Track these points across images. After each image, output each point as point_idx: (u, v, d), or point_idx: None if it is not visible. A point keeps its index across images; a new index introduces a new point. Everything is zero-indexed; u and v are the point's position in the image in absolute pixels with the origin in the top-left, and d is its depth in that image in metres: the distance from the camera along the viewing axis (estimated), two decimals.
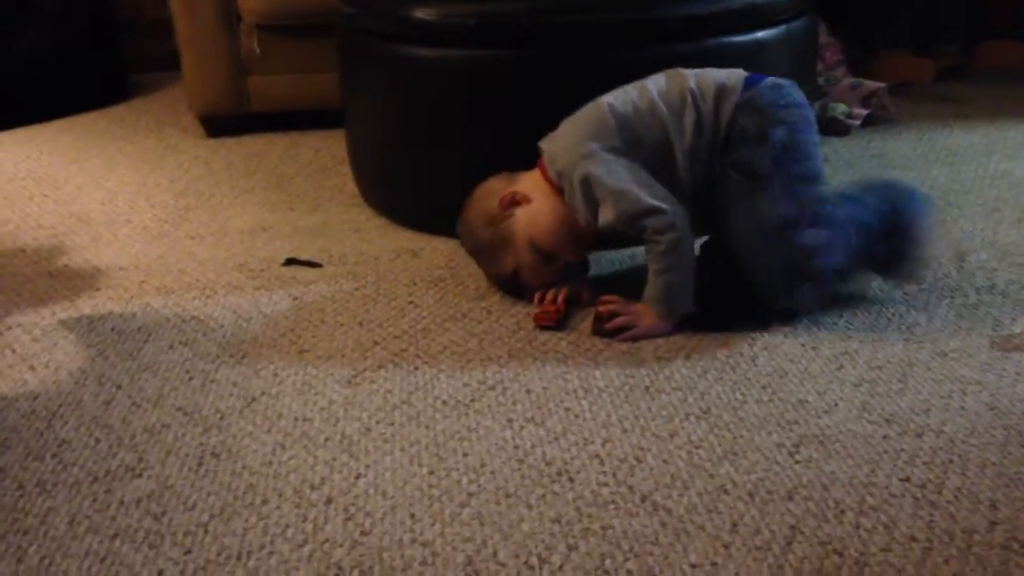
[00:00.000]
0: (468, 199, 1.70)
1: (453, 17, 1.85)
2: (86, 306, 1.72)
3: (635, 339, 1.52)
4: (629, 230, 1.53)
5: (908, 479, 1.16)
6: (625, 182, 1.52)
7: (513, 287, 1.68)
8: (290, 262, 1.88)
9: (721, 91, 1.55)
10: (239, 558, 1.06)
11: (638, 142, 1.55)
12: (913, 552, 1.04)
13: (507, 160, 1.85)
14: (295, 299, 1.72)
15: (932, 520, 1.09)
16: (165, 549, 1.08)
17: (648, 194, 1.51)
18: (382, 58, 1.99)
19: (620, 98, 1.59)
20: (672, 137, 1.54)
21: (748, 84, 1.56)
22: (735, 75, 1.58)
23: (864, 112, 2.53)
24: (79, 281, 1.83)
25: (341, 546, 1.08)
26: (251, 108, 2.79)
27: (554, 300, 1.62)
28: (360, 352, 1.52)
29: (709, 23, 1.83)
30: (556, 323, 1.59)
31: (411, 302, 1.70)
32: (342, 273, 1.83)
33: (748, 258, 1.50)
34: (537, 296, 1.64)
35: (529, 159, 1.70)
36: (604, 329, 1.54)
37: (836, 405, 1.33)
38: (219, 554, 1.07)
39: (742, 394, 1.36)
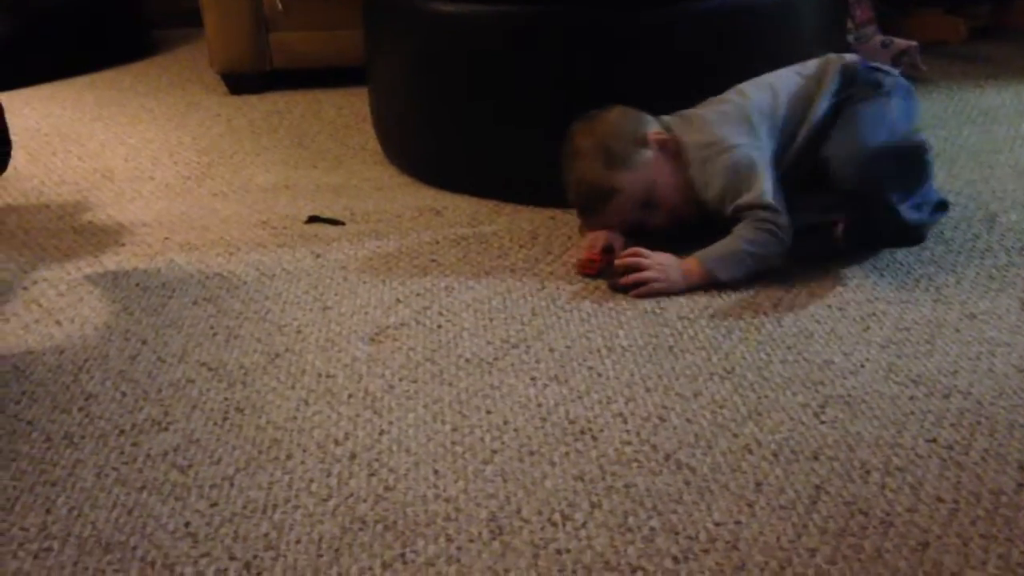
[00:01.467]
0: (613, 108, 1.67)
1: None
2: (110, 262, 1.73)
3: (649, 295, 1.52)
4: (746, 216, 1.55)
5: (935, 440, 1.15)
6: (768, 180, 1.57)
7: (587, 200, 1.65)
8: (313, 220, 1.87)
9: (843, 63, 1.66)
10: (264, 511, 1.07)
11: (773, 133, 1.63)
12: (939, 513, 1.04)
13: (534, 117, 1.83)
14: (318, 256, 1.72)
15: (959, 481, 1.08)
16: (191, 501, 1.09)
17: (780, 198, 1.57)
18: (407, 14, 1.97)
19: (760, 95, 1.65)
20: (804, 117, 1.63)
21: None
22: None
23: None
24: (103, 237, 1.84)
25: (365, 501, 1.08)
26: (273, 65, 2.78)
27: (599, 249, 1.61)
28: (383, 310, 1.52)
29: None
30: (598, 273, 1.58)
31: (434, 260, 1.69)
32: (365, 231, 1.82)
33: (851, 140, 1.53)
34: (585, 243, 1.63)
35: (556, 115, 1.68)
36: (618, 284, 1.54)
37: (862, 366, 1.31)
38: (245, 507, 1.08)
39: (767, 354, 1.35)
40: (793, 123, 1.63)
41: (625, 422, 1.21)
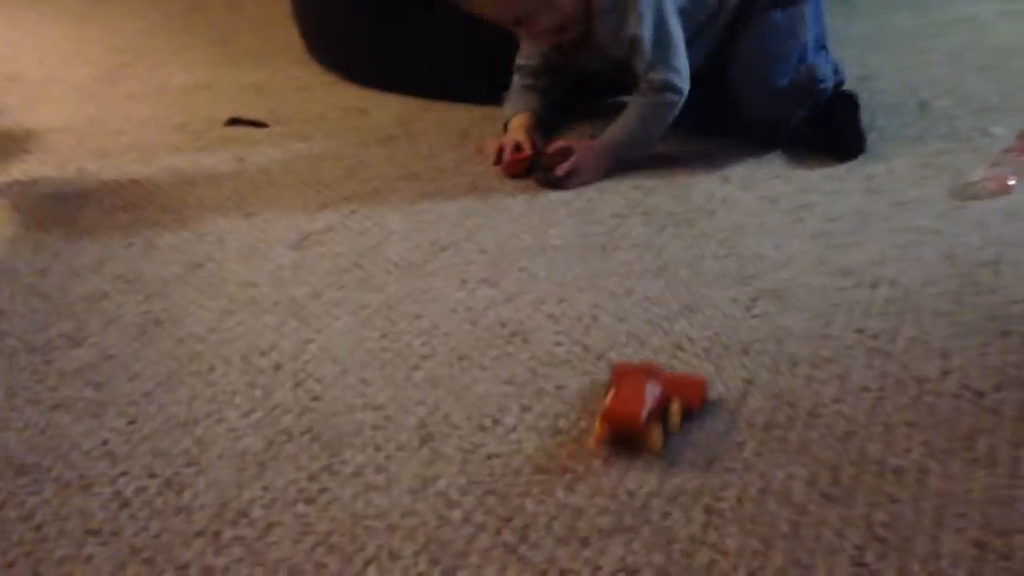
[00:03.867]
0: None
1: None
2: (18, 170, 1.64)
3: (579, 183, 1.51)
4: (639, 64, 1.51)
5: (862, 330, 1.16)
6: (677, 37, 1.52)
7: None
8: (233, 122, 1.80)
9: None
10: (185, 426, 1.04)
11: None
12: (864, 401, 1.04)
13: (465, 14, 1.76)
14: (239, 160, 1.65)
15: (885, 370, 1.09)
16: (108, 419, 1.06)
17: (683, 60, 1.52)
18: None
19: None
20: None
21: None
22: None
23: None
24: (10, 144, 1.74)
25: (291, 412, 1.06)
26: None
27: (512, 148, 1.58)
28: (308, 215, 1.47)
29: None
30: (526, 172, 1.55)
31: (360, 162, 1.64)
32: (288, 133, 1.75)
33: (760, 76, 1.53)
34: (496, 148, 1.59)
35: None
36: (551, 177, 1.51)
37: (793, 258, 1.31)
38: (165, 423, 1.05)
39: (699, 250, 1.34)
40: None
41: (556, 323, 1.20)
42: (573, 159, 1.52)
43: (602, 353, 1.14)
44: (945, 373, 1.08)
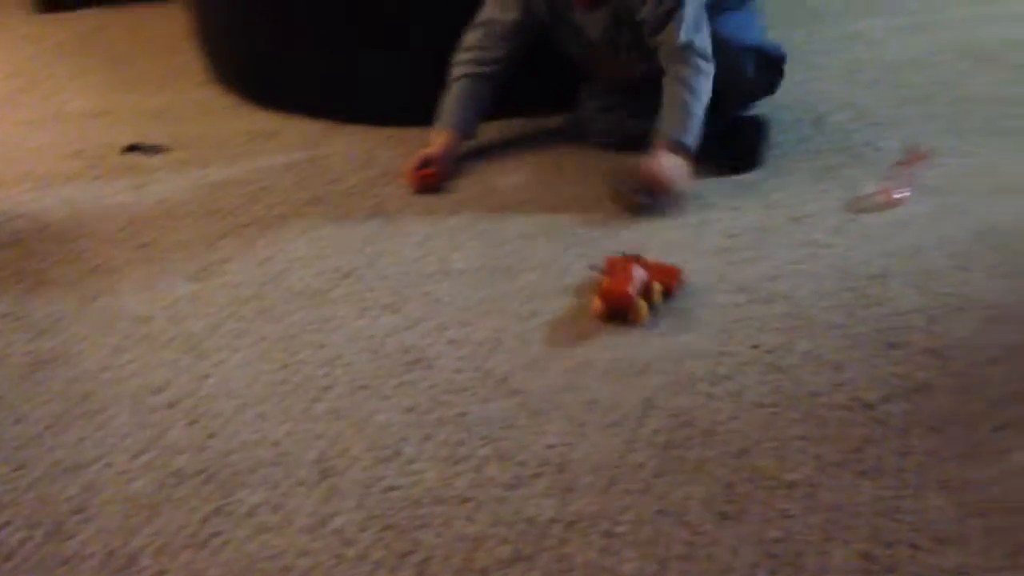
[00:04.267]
0: None
1: None
2: None
3: (676, 195, 1.50)
4: (676, 32, 1.51)
5: (758, 346, 1.18)
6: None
7: None
8: (132, 148, 1.76)
9: None
10: (73, 471, 1.01)
11: None
12: (759, 417, 1.06)
13: (375, 32, 1.75)
14: (137, 189, 1.62)
15: (779, 385, 1.11)
16: None
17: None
18: None
19: None
20: None
21: None
22: None
23: None
24: None
25: (184, 452, 1.03)
26: None
27: (421, 163, 1.57)
28: (207, 244, 1.45)
29: None
30: (436, 187, 1.55)
31: (264, 188, 1.61)
32: (189, 159, 1.72)
33: (729, 33, 1.59)
34: (415, 162, 1.58)
35: (397, 29, 1.64)
36: (645, 201, 1.49)
37: (694, 276, 1.32)
38: (52, 467, 1.02)
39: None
40: None
41: (459, 348, 1.20)
42: (656, 178, 1.48)
43: (503, 378, 1.14)
44: (836, 386, 1.11)
